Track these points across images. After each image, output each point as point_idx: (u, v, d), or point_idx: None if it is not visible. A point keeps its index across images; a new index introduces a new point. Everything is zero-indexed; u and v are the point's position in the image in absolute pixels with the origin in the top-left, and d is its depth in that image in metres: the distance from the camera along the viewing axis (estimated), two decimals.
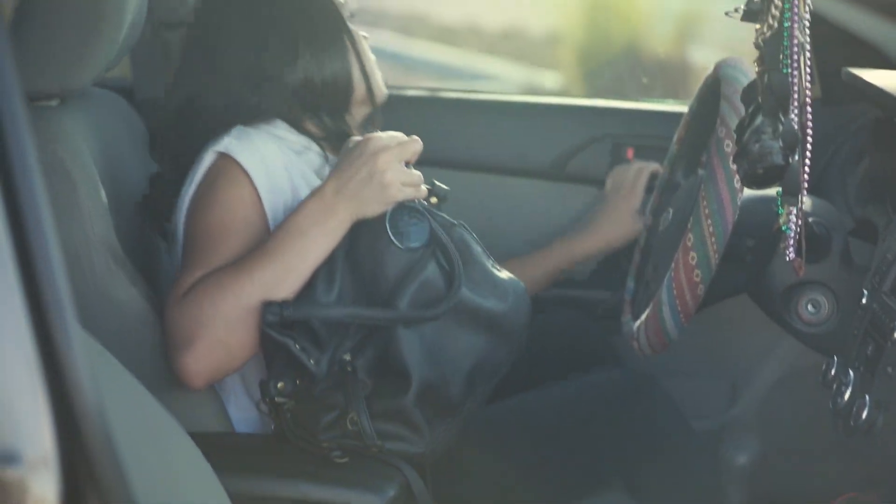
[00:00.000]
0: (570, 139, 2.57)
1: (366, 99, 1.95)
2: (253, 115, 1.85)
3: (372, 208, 1.70)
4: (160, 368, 1.67)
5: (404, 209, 1.70)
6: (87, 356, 0.95)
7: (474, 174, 2.58)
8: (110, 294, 1.67)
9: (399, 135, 1.74)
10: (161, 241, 1.97)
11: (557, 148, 2.57)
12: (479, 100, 2.75)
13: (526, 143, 2.58)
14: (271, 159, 1.81)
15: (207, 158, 1.80)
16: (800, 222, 1.73)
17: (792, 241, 1.75)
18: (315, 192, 1.72)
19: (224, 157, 1.79)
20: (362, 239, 1.70)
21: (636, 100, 2.82)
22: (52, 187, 1.67)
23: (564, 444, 1.97)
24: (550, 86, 4.61)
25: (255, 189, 1.78)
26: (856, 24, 1.94)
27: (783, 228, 1.71)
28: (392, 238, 1.68)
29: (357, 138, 1.75)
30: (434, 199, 1.76)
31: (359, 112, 1.96)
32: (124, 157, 1.87)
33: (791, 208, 1.70)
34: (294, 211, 1.72)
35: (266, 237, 1.73)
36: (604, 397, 2.06)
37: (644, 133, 2.54)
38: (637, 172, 2.35)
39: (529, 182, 2.59)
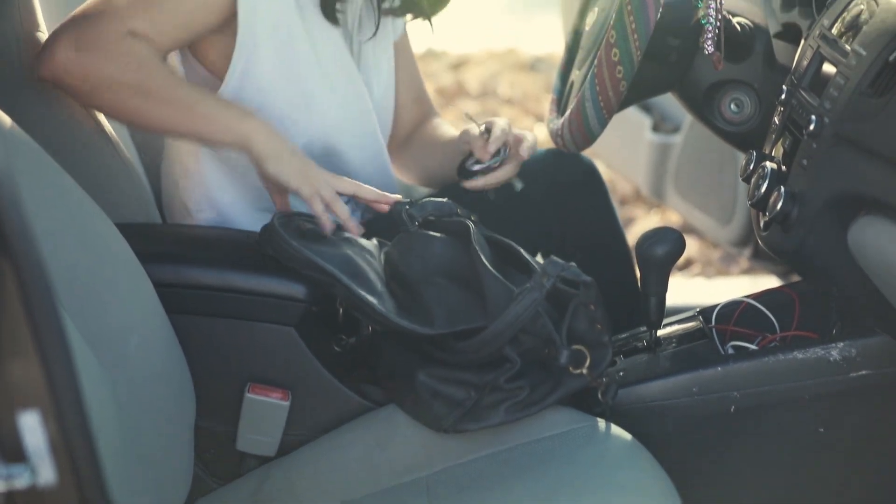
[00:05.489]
0: None
1: None
2: None
3: (271, 165, 1.64)
4: (91, 163, 1.67)
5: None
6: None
7: None
8: None
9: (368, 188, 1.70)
10: None
11: None
12: None
13: None
14: None
15: None
16: (719, 16, 1.75)
17: (710, 35, 1.77)
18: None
19: None
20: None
21: None
22: None
23: None
24: None
25: None
26: None
27: (702, 21, 1.72)
28: None
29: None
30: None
31: None
32: None
33: (710, 2, 1.71)
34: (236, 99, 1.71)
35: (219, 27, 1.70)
36: None
37: None
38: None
39: None
